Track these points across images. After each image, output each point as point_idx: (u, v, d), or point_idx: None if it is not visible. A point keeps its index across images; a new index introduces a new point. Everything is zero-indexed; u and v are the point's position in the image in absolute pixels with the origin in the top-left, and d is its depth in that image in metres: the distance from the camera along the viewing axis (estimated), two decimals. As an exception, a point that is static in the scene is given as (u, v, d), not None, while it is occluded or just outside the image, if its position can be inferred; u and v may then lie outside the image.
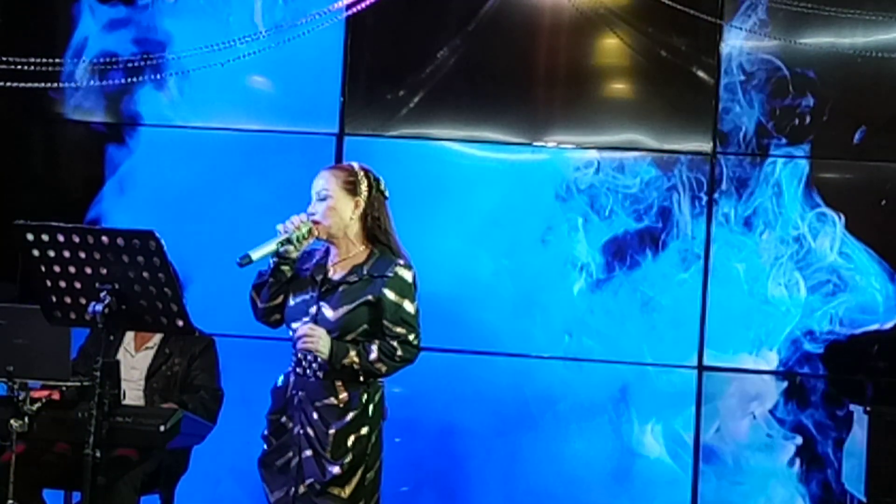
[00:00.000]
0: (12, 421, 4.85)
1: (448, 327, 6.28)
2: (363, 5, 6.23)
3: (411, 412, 6.29)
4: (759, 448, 6.32)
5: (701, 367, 6.35)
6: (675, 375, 6.37)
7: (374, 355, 4.44)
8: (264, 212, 5.97)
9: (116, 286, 4.29)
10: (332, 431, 4.42)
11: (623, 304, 6.42)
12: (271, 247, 4.39)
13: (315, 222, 4.49)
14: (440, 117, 6.59)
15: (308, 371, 4.48)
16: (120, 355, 5.55)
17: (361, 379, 4.47)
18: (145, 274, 4.27)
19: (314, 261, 4.58)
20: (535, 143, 6.54)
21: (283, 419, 4.50)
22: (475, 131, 6.58)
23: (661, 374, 6.38)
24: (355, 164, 4.67)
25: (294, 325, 4.51)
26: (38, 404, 4.89)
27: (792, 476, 6.30)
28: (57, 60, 6.39)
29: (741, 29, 6.30)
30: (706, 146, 6.42)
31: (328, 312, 4.47)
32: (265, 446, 4.56)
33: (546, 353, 6.44)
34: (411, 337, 4.52)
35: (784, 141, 6.36)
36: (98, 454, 4.37)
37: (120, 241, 4.25)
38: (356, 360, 4.41)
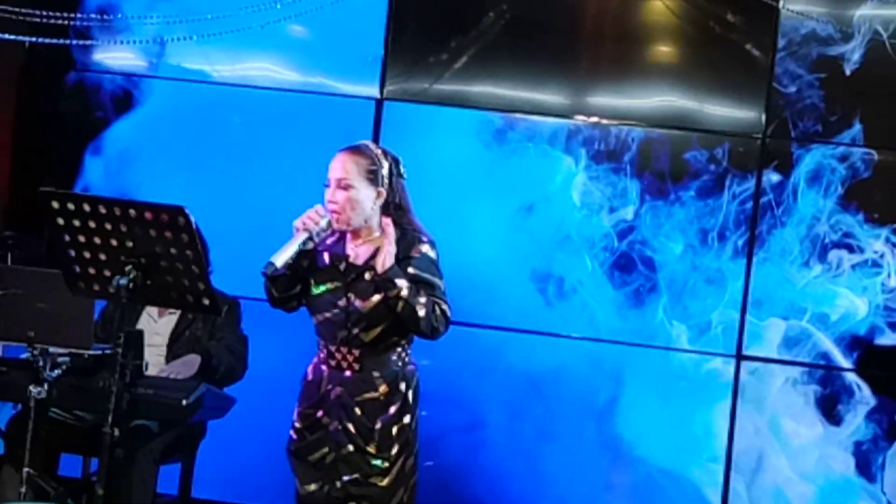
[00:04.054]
0: (31, 387, 4.73)
1: (487, 303, 6.17)
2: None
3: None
4: (797, 449, 6.18)
5: (739, 357, 6.20)
6: (712, 363, 6.22)
7: (423, 299, 4.23)
8: (297, 174, 5.90)
9: (142, 260, 4.13)
10: (377, 427, 4.31)
11: (663, 287, 6.27)
12: (293, 248, 4.20)
13: (335, 213, 4.29)
14: (484, 82, 6.41)
15: (343, 363, 4.33)
16: (143, 321, 5.47)
17: (399, 351, 4.31)
18: (172, 250, 4.11)
19: (328, 243, 4.38)
20: (576, 117, 6.36)
21: (319, 414, 4.36)
22: (520, 96, 6.38)
23: (698, 362, 6.24)
24: (372, 146, 4.43)
25: (319, 317, 4.35)
26: (57, 371, 4.76)
27: (833, 482, 6.14)
28: (90, 15, 6.24)
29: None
30: (757, 127, 6.24)
31: (359, 303, 4.30)
32: (295, 437, 4.41)
33: (577, 334, 6.31)
34: (445, 307, 4.34)
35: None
36: (117, 427, 4.24)
37: (148, 214, 4.09)
38: (405, 291, 4.21)
